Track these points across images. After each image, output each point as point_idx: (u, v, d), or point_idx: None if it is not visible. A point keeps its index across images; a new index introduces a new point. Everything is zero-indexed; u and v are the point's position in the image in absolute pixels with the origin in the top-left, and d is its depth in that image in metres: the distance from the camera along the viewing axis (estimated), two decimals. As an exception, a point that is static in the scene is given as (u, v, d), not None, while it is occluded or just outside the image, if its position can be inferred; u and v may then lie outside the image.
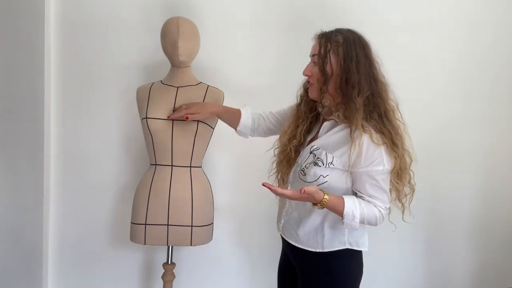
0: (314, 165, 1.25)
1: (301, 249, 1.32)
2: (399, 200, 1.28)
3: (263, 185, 1.17)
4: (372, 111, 1.22)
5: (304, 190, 1.13)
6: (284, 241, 1.42)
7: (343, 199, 1.21)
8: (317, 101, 1.35)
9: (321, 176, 1.24)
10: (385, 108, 1.24)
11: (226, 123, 1.65)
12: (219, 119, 1.70)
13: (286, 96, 2.00)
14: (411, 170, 1.26)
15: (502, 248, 2.16)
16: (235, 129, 1.62)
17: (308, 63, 1.32)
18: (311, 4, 2.02)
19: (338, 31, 1.27)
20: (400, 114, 1.28)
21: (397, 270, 2.13)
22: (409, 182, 1.27)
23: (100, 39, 2.02)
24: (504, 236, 2.15)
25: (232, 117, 1.61)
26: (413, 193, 1.28)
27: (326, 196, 1.17)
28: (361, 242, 1.33)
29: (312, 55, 1.30)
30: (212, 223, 1.79)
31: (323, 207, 1.18)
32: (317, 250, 1.29)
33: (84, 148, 2.07)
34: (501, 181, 2.12)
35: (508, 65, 2.07)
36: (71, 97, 2.05)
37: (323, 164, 1.23)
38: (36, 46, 1.93)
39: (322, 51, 1.24)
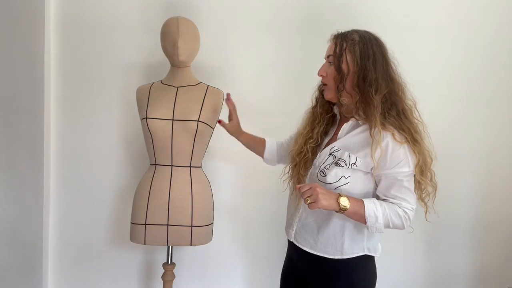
0: (336, 165, 1.22)
1: (317, 256, 1.28)
2: (422, 199, 1.26)
3: (297, 188, 1.19)
4: (390, 109, 1.22)
5: (300, 187, 1.15)
6: (295, 248, 1.36)
7: (362, 201, 1.19)
8: (333, 102, 1.34)
9: (343, 177, 1.21)
10: (402, 107, 1.24)
11: (253, 151, 1.69)
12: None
13: (287, 96, 2.02)
14: (432, 170, 1.24)
15: (502, 248, 2.16)
16: (262, 157, 1.66)
17: (323, 64, 1.31)
18: (312, 4, 2.02)
19: (355, 31, 1.27)
20: (419, 114, 1.27)
21: (397, 270, 2.13)
22: (431, 180, 1.24)
23: (100, 39, 2.03)
24: (504, 236, 2.15)
25: (258, 145, 1.66)
26: (435, 192, 1.26)
27: (343, 197, 1.15)
28: (378, 248, 1.32)
29: (328, 56, 1.29)
30: (212, 223, 1.79)
31: (345, 210, 1.15)
32: (336, 257, 1.26)
33: (84, 148, 2.07)
34: (501, 182, 2.12)
35: (508, 66, 2.07)
36: (71, 97, 2.05)
37: (346, 165, 1.21)
38: (36, 46, 1.93)
39: (337, 50, 1.24)
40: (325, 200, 1.13)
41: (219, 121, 1.68)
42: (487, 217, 2.14)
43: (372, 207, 1.18)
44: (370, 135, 1.19)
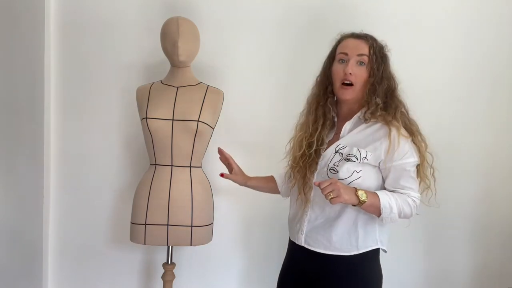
0: (347, 161, 1.25)
1: (331, 256, 1.29)
2: (427, 184, 1.31)
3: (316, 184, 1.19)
4: (396, 108, 1.28)
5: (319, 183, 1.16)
6: (304, 251, 1.35)
7: (376, 193, 1.22)
8: (345, 100, 1.36)
9: (355, 172, 1.24)
10: (404, 108, 1.31)
11: (266, 190, 1.67)
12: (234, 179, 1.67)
13: (287, 96, 2.02)
14: (433, 166, 1.31)
15: (502, 248, 2.15)
16: (279, 193, 1.62)
17: (349, 62, 1.28)
18: (312, 4, 2.02)
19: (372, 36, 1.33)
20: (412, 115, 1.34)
21: (397, 270, 2.13)
22: (431, 166, 1.30)
23: (100, 39, 2.02)
24: (504, 236, 2.15)
25: (268, 182, 1.63)
26: (434, 183, 1.32)
27: (360, 191, 1.18)
28: (388, 241, 1.35)
29: (359, 55, 1.28)
30: (212, 223, 1.79)
31: (364, 203, 1.18)
32: (351, 254, 1.28)
33: (84, 148, 2.07)
34: (501, 181, 2.12)
35: (508, 66, 2.06)
36: (71, 97, 2.05)
37: (357, 159, 1.24)
38: (36, 46, 1.93)
39: (372, 52, 1.28)
40: (346, 194, 1.16)
41: (222, 175, 1.62)
42: (487, 217, 2.13)
43: (386, 198, 1.22)
44: (389, 131, 1.24)
